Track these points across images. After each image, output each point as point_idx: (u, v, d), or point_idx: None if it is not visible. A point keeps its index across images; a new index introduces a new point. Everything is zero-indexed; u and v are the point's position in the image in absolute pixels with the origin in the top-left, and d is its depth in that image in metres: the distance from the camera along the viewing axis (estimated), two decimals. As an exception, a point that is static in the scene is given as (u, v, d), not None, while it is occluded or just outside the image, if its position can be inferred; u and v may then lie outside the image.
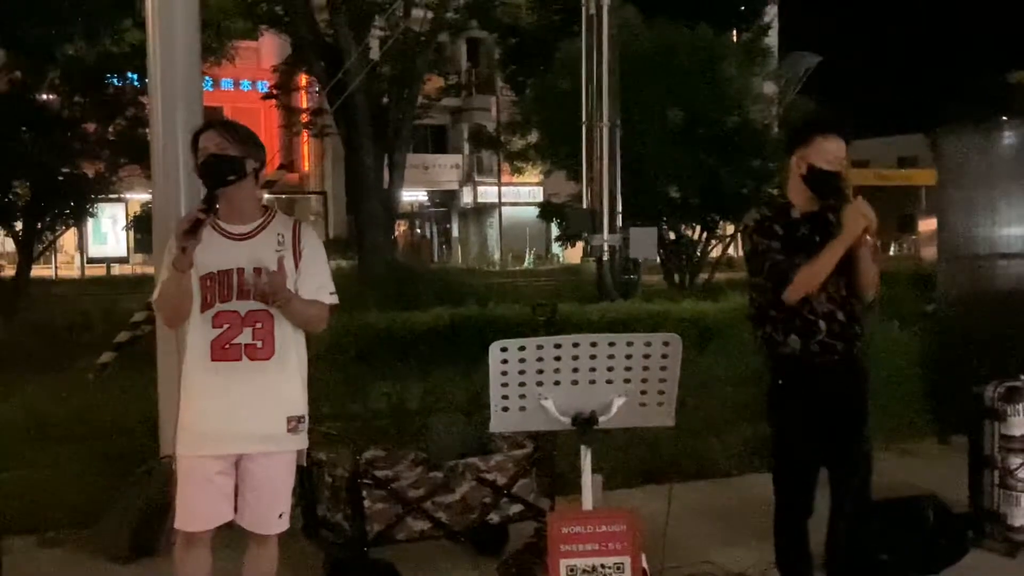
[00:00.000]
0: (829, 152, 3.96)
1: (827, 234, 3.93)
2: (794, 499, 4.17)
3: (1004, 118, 7.43)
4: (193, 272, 3.48)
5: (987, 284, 7.25)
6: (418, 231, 43.71)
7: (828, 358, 3.98)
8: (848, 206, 3.87)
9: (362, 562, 4.50)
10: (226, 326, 3.52)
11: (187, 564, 3.69)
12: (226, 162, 3.53)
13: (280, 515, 3.67)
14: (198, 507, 3.60)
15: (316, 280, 3.64)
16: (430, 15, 23.76)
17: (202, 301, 3.53)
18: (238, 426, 3.54)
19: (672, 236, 18.61)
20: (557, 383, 3.33)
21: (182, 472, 3.62)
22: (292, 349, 3.61)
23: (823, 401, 4.03)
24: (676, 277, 18.90)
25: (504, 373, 3.31)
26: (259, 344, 3.53)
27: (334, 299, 3.68)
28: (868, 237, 3.88)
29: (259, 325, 3.53)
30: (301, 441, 3.67)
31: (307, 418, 3.68)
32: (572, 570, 3.31)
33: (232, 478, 3.61)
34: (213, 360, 3.53)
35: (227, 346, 3.52)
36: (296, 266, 3.59)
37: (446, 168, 42.39)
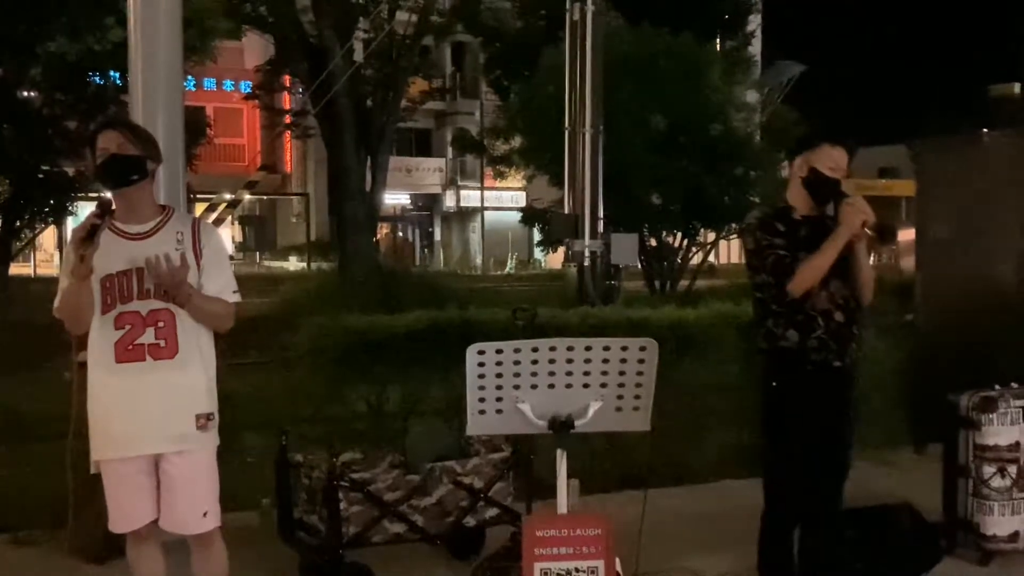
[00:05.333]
0: (832, 160, 4.11)
1: (826, 237, 4.03)
2: (786, 505, 4.20)
3: (985, 130, 7.48)
4: (92, 275, 3.45)
5: (965, 294, 7.30)
6: (400, 234, 43.59)
7: (823, 356, 4.07)
8: (845, 201, 4.01)
9: (337, 564, 4.49)
10: (128, 327, 3.50)
11: (140, 564, 3.72)
12: (128, 162, 3.53)
13: (205, 513, 3.63)
14: (122, 508, 3.61)
15: (219, 279, 3.64)
16: (415, 18, 23.73)
17: (103, 303, 3.51)
18: (147, 426, 3.53)
19: (653, 242, 18.64)
20: (534, 387, 3.33)
21: (104, 475, 3.63)
22: (196, 347, 3.60)
23: (815, 405, 4.10)
24: (657, 283, 18.94)
25: (481, 376, 3.31)
26: (162, 343, 3.52)
27: (237, 297, 3.68)
28: (867, 231, 3.98)
29: (161, 324, 3.52)
30: (212, 438, 3.65)
31: (216, 415, 3.65)
32: (546, 574, 3.32)
33: (154, 478, 3.59)
34: (118, 362, 3.51)
35: (130, 347, 3.51)
36: (198, 264, 3.58)
37: (429, 172, 42.33)
